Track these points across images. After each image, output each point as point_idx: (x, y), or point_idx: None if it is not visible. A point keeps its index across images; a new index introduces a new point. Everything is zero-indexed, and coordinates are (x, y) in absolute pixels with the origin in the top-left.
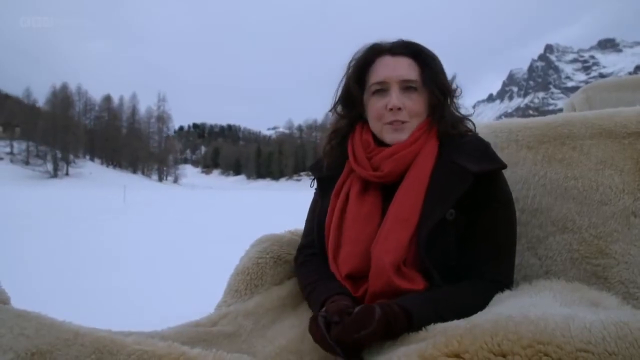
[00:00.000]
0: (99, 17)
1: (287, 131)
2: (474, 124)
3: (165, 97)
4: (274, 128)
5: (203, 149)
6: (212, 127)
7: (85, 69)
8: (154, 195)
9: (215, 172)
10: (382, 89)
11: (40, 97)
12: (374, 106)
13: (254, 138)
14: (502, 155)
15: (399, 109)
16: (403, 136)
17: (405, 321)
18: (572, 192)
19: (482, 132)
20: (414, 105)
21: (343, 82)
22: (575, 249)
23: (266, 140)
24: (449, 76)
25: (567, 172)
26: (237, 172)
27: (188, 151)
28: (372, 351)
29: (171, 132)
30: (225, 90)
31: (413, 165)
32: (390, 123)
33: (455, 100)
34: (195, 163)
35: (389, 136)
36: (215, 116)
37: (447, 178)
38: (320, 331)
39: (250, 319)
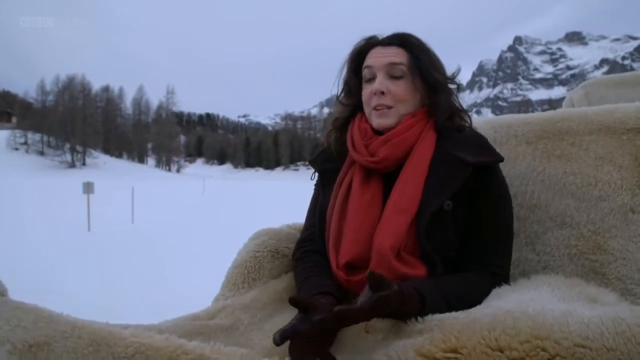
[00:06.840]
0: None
1: (281, 121)
2: (470, 118)
3: (174, 90)
4: (245, 116)
5: (182, 137)
6: (190, 115)
7: (56, 54)
8: (201, 186)
9: (199, 161)
10: (371, 77)
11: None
12: (365, 93)
13: (233, 126)
14: (501, 150)
15: (382, 93)
16: (388, 121)
17: (417, 304)
18: (570, 187)
19: (481, 127)
20: (398, 90)
21: (344, 73)
22: (573, 245)
23: (243, 127)
24: (453, 69)
25: (565, 167)
26: (222, 161)
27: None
28: (367, 346)
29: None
30: (200, 77)
31: (412, 156)
32: (376, 108)
33: (455, 94)
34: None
35: (374, 121)
36: (192, 105)
37: (446, 169)
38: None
39: (247, 312)
